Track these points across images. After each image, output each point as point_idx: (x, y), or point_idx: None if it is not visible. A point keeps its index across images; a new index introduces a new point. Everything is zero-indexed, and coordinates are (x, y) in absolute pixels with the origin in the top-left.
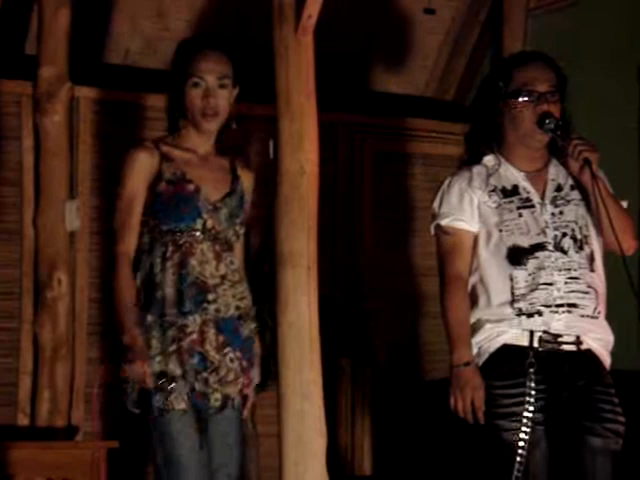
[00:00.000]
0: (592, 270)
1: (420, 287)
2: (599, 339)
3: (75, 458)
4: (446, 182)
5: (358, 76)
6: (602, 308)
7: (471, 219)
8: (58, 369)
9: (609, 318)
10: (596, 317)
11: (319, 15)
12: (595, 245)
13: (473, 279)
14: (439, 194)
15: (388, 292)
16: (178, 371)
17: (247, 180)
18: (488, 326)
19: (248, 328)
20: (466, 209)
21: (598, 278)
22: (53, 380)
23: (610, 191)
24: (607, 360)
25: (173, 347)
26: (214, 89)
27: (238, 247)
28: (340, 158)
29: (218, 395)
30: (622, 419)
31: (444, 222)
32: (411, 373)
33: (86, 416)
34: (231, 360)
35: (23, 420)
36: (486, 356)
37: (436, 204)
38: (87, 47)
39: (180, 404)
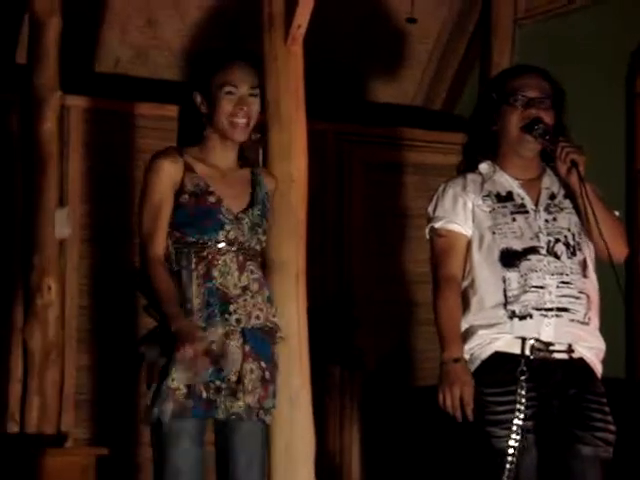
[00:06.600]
0: (585, 276)
1: (410, 295)
2: (591, 347)
3: (65, 465)
4: (441, 188)
5: (347, 85)
6: (593, 315)
7: (464, 222)
8: (48, 376)
9: None
10: (586, 323)
11: (309, 24)
12: (587, 253)
13: (465, 283)
14: (434, 199)
15: (378, 299)
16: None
17: (270, 185)
18: (481, 332)
19: (269, 341)
20: (459, 213)
21: (590, 284)
22: (43, 387)
23: (600, 197)
24: (599, 368)
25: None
26: (246, 98)
27: (259, 256)
28: (329, 167)
29: (237, 403)
30: (613, 428)
31: (438, 225)
32: (401, 380)
33: (76, 423)
34: (251, 370)
35: (13, 427)
36: (478, 363)
37: (431, 209)
38: (78, 56)
39: (185, 412)
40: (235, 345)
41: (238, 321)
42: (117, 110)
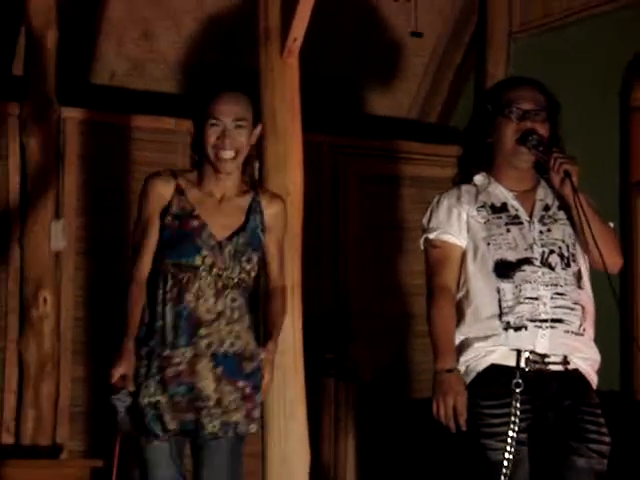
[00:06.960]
0: (579, 287)
1: (406, 307)
2: (586, 358)
3: (59, 477)
4: (435, 199)
5: (343, 98)
6: (588, 326)
7: (459, 233)
8: (43, 388)
9: None
10: (581, 334)
11: (305, 37)
12: (582, 264)
13: (459, 294)
14: (428, 210)
15: (374, 312)
16: (162, 399)
17: (271, 208)
18: (476, 345)
19: (250, 366)
20: (454, 224)
21: (585, 295)
22: (38, 399)
23: (594, 208)
24: (594, 380)
25: (158, 377)
26: (231, 130)
27: (245, 285)
28: (324, 179)
29: (216, 422)
30: (607, 439)
31: (432, 235)
32: (397, 392)
33: (70, 435)
34: (230, 392)
35: (7, 439)
36: (473, 375)
37: (425, 220)
38: (74, 68)
39: (159, 430)
40: (205, 367)
41: (208, 345)
42: (113, 123)
